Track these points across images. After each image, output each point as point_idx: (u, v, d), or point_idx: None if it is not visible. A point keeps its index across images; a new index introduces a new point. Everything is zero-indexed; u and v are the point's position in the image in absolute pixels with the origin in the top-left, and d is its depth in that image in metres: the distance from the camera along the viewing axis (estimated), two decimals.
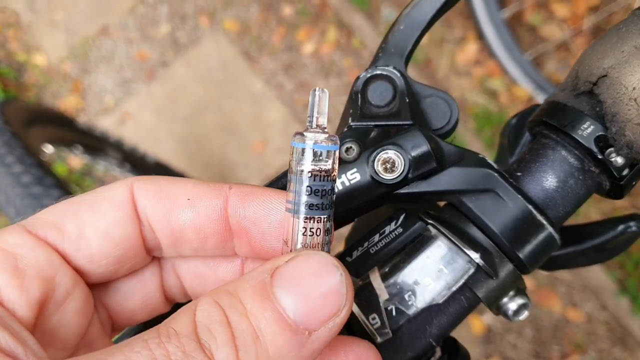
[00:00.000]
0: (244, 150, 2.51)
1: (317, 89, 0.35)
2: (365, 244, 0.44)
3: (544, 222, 0.41)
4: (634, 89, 0.40)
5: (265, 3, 2.67)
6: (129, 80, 2.74)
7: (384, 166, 0.40)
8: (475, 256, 0.40)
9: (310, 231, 0.34)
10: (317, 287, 0.31)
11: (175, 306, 0.44)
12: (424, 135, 0.41)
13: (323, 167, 0.34)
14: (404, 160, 0.40)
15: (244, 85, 2.59)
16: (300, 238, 0.34)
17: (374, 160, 0.41)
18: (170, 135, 2.61)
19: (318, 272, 0.31)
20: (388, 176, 0.40)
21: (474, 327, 2.14)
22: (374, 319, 0.42)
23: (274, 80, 2.58)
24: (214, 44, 2.67)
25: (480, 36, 2.33)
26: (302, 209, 0.34)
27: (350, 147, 0.42)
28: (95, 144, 1.74)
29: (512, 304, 0.43)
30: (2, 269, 0.32)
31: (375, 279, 0.43)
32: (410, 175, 0.40)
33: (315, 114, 0.35)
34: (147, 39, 2.76)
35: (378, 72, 0.44)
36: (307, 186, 0.34)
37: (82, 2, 2.84)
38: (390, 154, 0.40)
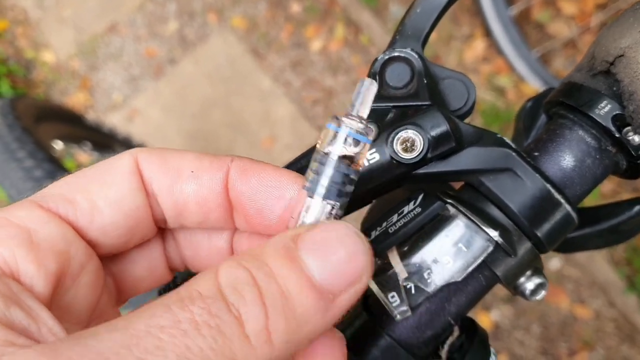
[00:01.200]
0: (252, 147, 2.52)
1: (367, 79, 0.35)
2: (384, 224, 0.44)
3: (562, 200, 0.42)
4: None
5: (273, 0, 2.68)
6: (137, 77, 2.75)
7: (403, 146, 0.41)
8: (494, 234, 0.41)
9: (322, 213, 0.34)
10: (341, 251, 0.31)
11: (176, 276, 0.44)
12: (442, 115, 0.41)
13: (351, 156, 0.34)
14: (423, 140, 0.41)
15: (252, 82, 2.59)
16: (312, 218, 0.34)
17: (393, 140, 0.41)
18: (178, 132, 2.61)
19: (341, 237, 0.31)
20: (407, 156, 0.41)
21: (482, 323, 2.12)
22: (393, 297, 0.42)
23: (282, 77, 2.58)
24: (222, 41, 2.67)
25: (488, 33, 2.33)
26: (320, 190, 0.34)
27: (369, 127, 0.42)
28: (104, 140, 1.75)
29: (530, 284, 0.43)
30: (17, 243, 0.31)
31: (394, 257, 0.43)
32: (429, 155, 0.41)
33: (358, 103, 0.35)
34: (155, 36, 2.77)
35: (396, 54, 0.44)
36: (331, 169, 0.34)
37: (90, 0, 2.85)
38: (410, 133, 0.41)
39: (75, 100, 2.76)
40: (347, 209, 0.44)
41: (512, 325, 2.19)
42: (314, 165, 0.35)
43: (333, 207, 0.34)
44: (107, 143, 1.77)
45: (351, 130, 0.34)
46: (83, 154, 2.19)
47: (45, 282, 0.31)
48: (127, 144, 1.85)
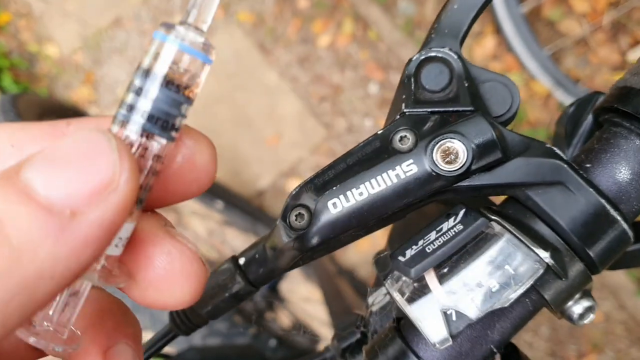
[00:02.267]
0: (257, 143, 2.48)
1: None
2: (420, 242, 0.40)
3: (618, 217, 0.38)
4: None
5: None
6: None
7: (444, 156, 0.37)
8: (545, 255, 0.37)
9: (139, 150, 0.27)
10: (76, 152, 0.24)
11: None
12: (487, 122, 0.37)
13: (182, 76, 0.28)
14: (467, 150, 0.37)
15: (258, 77, 2.56)
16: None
17: (433, 149, 0.37)
18: None
19: (78, 139, 0.25)
20: (449, 167, 0.37)
21: None
22: (431, 323, 0.39)
23: (289, 72, 2.55)
24: (229, 35, 2.64)
25: (498, 30, 2.30)
26: (138, 118, 0.27)
27: (405, 135, 0.38)
28: None
29: (578, 307, 0.40)
30: None
31: (432, 280, 0.39)
32: (473, 167, 0.37)
33: (197, 8, 0.28)
34: None
35: (432, 54, 0.41)
36: (155, 92, 0.27)
37: None
38: (452, 142, 0.37)
39: (79, 94, 2.74)
40: (375, 227, 0.40)
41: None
42: (133, 85, 0.28)
43: (151, 140, 0.28)
44: None
45: (183, 43, 0.27)
46: None
47: None
48: None
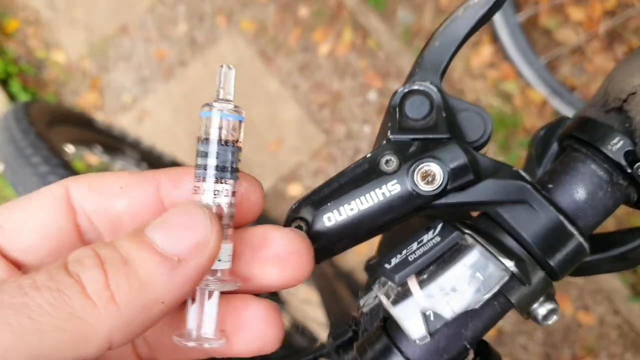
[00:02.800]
0: (259, 149, 2.53)
1: (224, 66, 0.39)
2: (404, 252, 0.46)
3: (574, 232, 0.43)
4: None
5: (281, 4, 2.69)
6: (147, 78, 2.77)
7: (423, 178, 0.43)
8: (510, 264, 0.42)
9: (215, 193, 0.37)
10: (183, 220, 0.34)
11: None
12: (461, 148, 0.43)
13: (229, 135, 0.38)
14: (443, 173, 0.42)
15: (260, 85, 2.60)
16: (207, 198, 0.37)
17: (414, 172, 0.43)
18: (187, 133, 2.63)
19: (184, 211, 0.35)
20: (427, 188, 0.42)
21: None
22: (412, 322, 0.44)
23: (290, 80, 2.59)
24: (231, 43, 2.69)
25: (495, 39, 2.34)
26: (210, 172, 0.37)
27: (390, 159, 0.44)
28: (114, 143, 1.76)
29: (542, 309, 0.45)
30: None
31: (414, 285, 0.45)
32: (448, 187, 0.43)
33: (221, 87, 0.38)
34: (165, 38, 2.78)
35: (415, 87, 0.46)
36: (215, 151, 0.37)
37: (101, 1, 2.87)
38: (430, 166, 0.42)
39: (85, 100, 2.78)
40: (364, 238, 0.46)
41: (516, 330, 2.21)
42: (199, 151, 0.38)
43: (223, 183, 0.38)
44: (117, 146, 1.77)
45: (223, 112, 0.37)
46: (93, 157, 2.21)
47: None
48: (136, 146, 1.86)
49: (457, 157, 0.42)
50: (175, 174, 0.40)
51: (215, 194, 0.37)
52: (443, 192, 0.43)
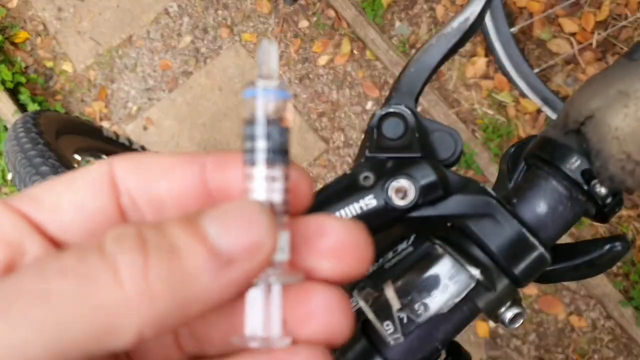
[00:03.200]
0: None
1: (265, 40, 0.34)
2: (380, 260, 0.50)
3: (536, 243, 0.47)
4: (616, 128, 0.46)
5: (282, 16, 2.72)
6: (152, 88, 2.79)
7: (397, 193, 0.47)
8: (476, 272, 0.46)
9: (269, 179, 0.33)
10: (240, 218, 0.30)
11: None
12: (431, 166, 0.47)
13: (277, 113, 0.33)
14: (415, 189, 0.46)
15: None
16: (260, 185, 0.33)
17: (389, 188, 0.46)
18: (190, 141, 2.66)
19: (243, 207, 0.31)
20: (400, 202, 0.46)
21: (480, 331, 2.19)
22: (387, 325, 0.48)
23: (290, 89, 2.60)
24: (234, 54, 2.72)
25: (490, 51, 2.35)
26: (260, 155, 0.33)
27: (368, 175, 0.48)
28: (120, 152, 1.78)
29: (509, 313, 0.48)
30: None
31: (389, 291, 0.48)
32: (419, 202, 0.46)
33: (264, 64, 0.34)
34: (169, 49, 2.81)
35: (392, 110, 0.50)
36: (263, 133, 0.33)
37: (107, 12, 2.90)
38: (403, 182, 0.46)
39: (92, 109, 2.81)
40: None
41: (509, 333, 2.23)
42: (246, 135, 0.34)
43: (274, 167, 0.33)
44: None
45: (267, 89, 0.33)
46: None
47: None
48: None
49: (427, 175, 0.46)
50: (222, 157, 0.36)
51: (268, 180, 0.33)
52: (415, 206, 0.46)
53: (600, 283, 2.21)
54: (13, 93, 2.75)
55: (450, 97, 2.48)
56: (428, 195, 0.47)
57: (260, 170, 0.32)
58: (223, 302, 0.30)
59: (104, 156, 1.67)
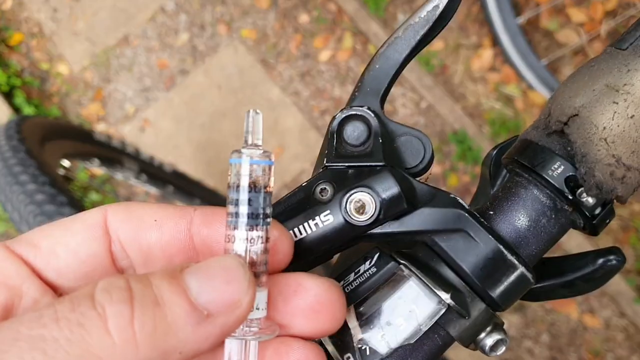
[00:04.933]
0: None
1: (251, 110, 0.38)
2: (341, 283, 0.45)
3: (515, 261, 0.42)
4: (604, 128, 0.41)
5: (282, 11, 2.69)
6: (149, 88, 2.78)
7: (356, 208, 0.41)
8: (446, 297, 0.41)
9: (249, 241, 0.36)
10: (220, 274, 0.33)
11: None
12: (394, 176, 0.41)
13: (259, 180, 0.37)
14: (375, 202, 0.41)
15: (261, 92, 2.61)
16: (240, 246, 0.36)
17: (346, 202, 0.41)
18: (188, 141, 2.64)
19: (223, 264, 0.34)
20: (360, 218, 0.41)
21: None
22: (348, 358, 0.43)
23: (291, 87, 2.59)
24: (232, 51, 2.69)
25: (496, 42, 2.32)
26: (242, 219, 0.36)
27: (325, 188, 0.43)
28: (113, 155, 1.76)
29: (489, 340, 0.44)
30: None
31: (351, 317, 0.43)
32: (381, 217, 0.41)
33: (250, 133, 0.38)
34: (166, 48, 2.79)
35: (353, 112, 0.45)
36: (246, 199, 0.36)
37: (102, 12, 2.88)
38: (362, 195, 0.41)
39: (89, 111, 2.80)
40: (306, 266, 0.45)
41: (521, 334, 2.19)
42: (231, 199, 0.37)
43: (255, 230, 0.36)
44: (116, 158, 1.78)
45: (252, 158, 0.36)
46: (94, 169, 2.21)
47: None
48: (135, 157, 1.86)
49: (389, 187, 0.41)
50: (209, 212, 0.40)
51: (248, 242, 0.36)
52: (376, 221, 0.41)
53: (613, 281, 2.16)
54: (8, 96, 2.75)
55: (456, 91, 2.44)
56: (391, 209, 0.41)
57: (242, 233, 0.36)
58: (201, 352, 0.33)
59: (95, 160, 1.64)
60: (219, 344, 0.34)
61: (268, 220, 0.37)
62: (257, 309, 0.36)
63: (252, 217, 0.36)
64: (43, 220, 1.13)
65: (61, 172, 1.46)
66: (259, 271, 0.37)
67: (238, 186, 0.37)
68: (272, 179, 0.38)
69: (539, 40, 2.39)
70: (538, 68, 2.23)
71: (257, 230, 0.37)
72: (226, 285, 0.33)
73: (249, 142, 0.38)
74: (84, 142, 1.71)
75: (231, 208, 0.37)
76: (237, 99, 2.61)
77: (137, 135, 2.70)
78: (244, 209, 0.36)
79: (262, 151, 0.37)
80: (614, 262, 0.47)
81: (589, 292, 0.51)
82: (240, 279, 0.33)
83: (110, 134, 2.52)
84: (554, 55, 2.30)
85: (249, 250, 0.36)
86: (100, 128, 2.70)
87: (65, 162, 1.51)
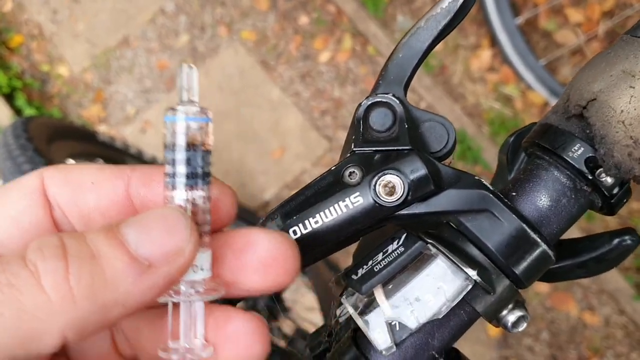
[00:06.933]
0: (262, 157, 2.54)
1: (184, 65, 0.37)
2: (370, 263, 0.46)
3: (538, 239, 0.43)
4: (621, 111, 0.42)
5: (282, 13, 2.70)
6: (150, 89, 2.78)
7: (385, 189, 0.43)
8: (472, 273, 0.42)
9: (190, 202, 0.35)
10: (160, 224, 0.32)
11: None
12: (421, 159, 0.43)
13: (197, 138, 0.35)
14: (404, 184, 0.43)
15: (262, 93, 2.62)
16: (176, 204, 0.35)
17: (376, 184, 0.43)
18: None
19: (163, 214, 0.33)
20: (389, 199, 0.43)
21: (491, 330, 2.15)
22: (378, 333, 0.44)
23: (291, 88, 2.60)
24: (233, 53, 2.70)
25: (494, 43, 2.34)
26: (180, 179, 0.35)
27: (353, 171, 0.44)
28: (116, 156, 1.77)
29: (511, 317, 0.45)
30: None
31: (380, 295, 0.45)
32: (409, 198, 0.43)
33: (184, 89, 0.36)
34: (166, 49, 2.80)
35: (378, 99, 0.46)
36: (183, 158, 0.35)
37: (103, 13, 2.89)
38: (391, 177, 0.43)
39: (89, 112, 2.80)
40: (334, 248, 0.46)
41: (521, 332, 2.20)
42: (168, 159, 0.36)
43: (195, 189, 0.36)
44: (120, 159, 1.79)
45: (188, 115, 0.35)
46: None
47: None
48: (138, 158, 1.87)
49: (417, 169, 0.43)
50: (146, 172, 0.39)
51: (188, 203, 0.35)
52: (405, 202, 0.43)
53: (612, 278, 2.18)
54: (9, 98, 2.75)
55: (455, 91, 2.46)
56: (419, 190, 0.43)
57: (180, 193, 0.35)
58: (144, 305, 0.32)
59: (99, 160, 1.65)
60: (162, 294, 0.33)
61: (208, 179, 0.37)
62: (202, 269, 0.36)
63: (191, 176, 0.35)
64: None
65: None
66: (201, 231, 0.36)
67: (174, 145, 0.35)
68: (211, 136, 0.37)
69: (537, 41, 2.41)
70: (536, 68, 2.25)
71: (197, 190, 0.36)
72: (167, 234, 0.32)
73: (184, 98, 0.36)
74: (88, 142, 1.72)
75: (168, 168, 0.36)
76: (237, 100, 2.62)
77: (138, 137, 2.70)
78: (181, 169, 0.35)
79: (198, 108, 0.36)
80: (629, 241, 0.49)
81: (605, 272, 0.52)
82: (181, 227, 0.33)
83: (113, 135, 2.53)
84: (552, 55, 2.31)
85: (189, 211, 0.35)
86: (101, 130, 2.71)
87: (71, 162, 1.52)
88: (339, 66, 2.59)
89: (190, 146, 0.35)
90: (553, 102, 2.23)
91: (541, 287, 2.22)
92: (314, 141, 2.53)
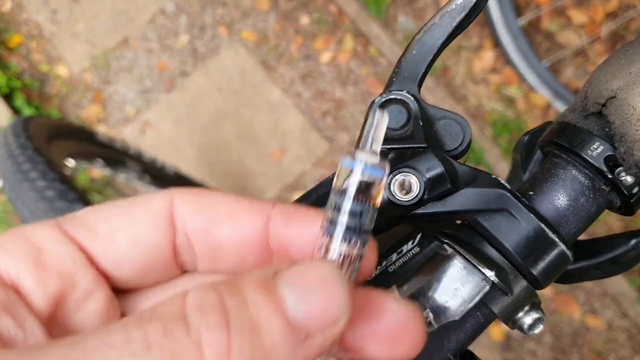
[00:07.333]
0: (262, 158, 2.53)
1: (379, 110, 0.34)
2: (384, 263, 0.45)
3: (556, 239, 0.42)
4: None
5: (282, 13, 2.70)
6: (149, 90, 2.77)
7: (400, 188, 0.42)
8: (490, 274, 0.41)
9: (346, 258, 0.33)
10: (319, 291, 0.29)
11: None
12: (437, 157, 0.42)
13: (368, 192, 0.33)
14: (420, 182, 0.42)
15: (262, 94, 2.61)
16: (333, 259, 0.32)
17: (391, 182, 0.42)
18: (190, 143, 2.64)
19: (322, 277, 0.30)
20: (404, 198, 0.42)
21: (494, 333, 2.15)
22: None
23: (292, 88, 2.60)
24: (233, 53, 2.69)
25: (497, 44, 2.34)
26: (339, 229, 0.32)
27: None
28: (116, 156, 1.77)
29: (527, 319, 0.44)
30: (25, 259, 0.32)
31: None
32: (425, 197, 0.42)
33: (370, 136, 0.33)
34: (166, 49, 2.79)
35: (392, 96, 0.45)
36: (349, 208, 0.32)
37: (102, 14, 2.88)
38: (405, 176, 0.42)
39: (89, 113, 2.79)
40: None
41: (524, 335, 2.19)
42: (331, 203, 0.33)
43: (352, 245, 0.32)
44: (119, 159, 1.78)
45: (366, 166, 0.32)
46: (96, 169, 2.21)
47: (44, 299, 0.31)
48: (138, 159, 1.86)
49: (433, 167, 0.42)
50: (288, 210, 0.36)
51: (342, 258, 0.32)
52: (421, 201, 0.42)
53: (616, 281, 2.18)
54: (7, 98, 2.75)
55: (458, 92, 2.45)
56: (435, 189, 0.42)
57: (338, 246, 0.32)
58: None
59: (99, 160, 1.64)
60: None
61: (366, 237, 0.33)
62: None
63: (353, 230, 0.32)
64: (54, 217, 1.13)
65: (66, 171, 1.46)
66: None
67: (344, 192, 0.32)
68: (382, 193, 0.34)
69: (540, 42, 2.40)
70: (539, 69, 2.24)
71: (354, 246, 0.32)
72: (326, 301, 0.29)
73: (367, 146, 0.33)
74: (88, 142, 1.71)
75: (332, 214, 0.33)
76: (238, 101, 2.61)
77: (138, 137, 2.69)
78: (345, 219, 0.32)
79: (378, 159, 0.33)
80: None
81: (621, 273, 0.51)
82: (340, 293, 0.29)
83: (112, 136, 2.52)
84: (555, 56, 2.31)
85: (341, 266, 0.32)
86: (100, 130, 2.70)
87: (70, 162, 1.51)
88: (340, 67, 2.59)
89: (361, 198, 0.32)
90: (556, 103, 2.23)
91: (544, 290, 2.21)
92: (315, 142, 2.53)
